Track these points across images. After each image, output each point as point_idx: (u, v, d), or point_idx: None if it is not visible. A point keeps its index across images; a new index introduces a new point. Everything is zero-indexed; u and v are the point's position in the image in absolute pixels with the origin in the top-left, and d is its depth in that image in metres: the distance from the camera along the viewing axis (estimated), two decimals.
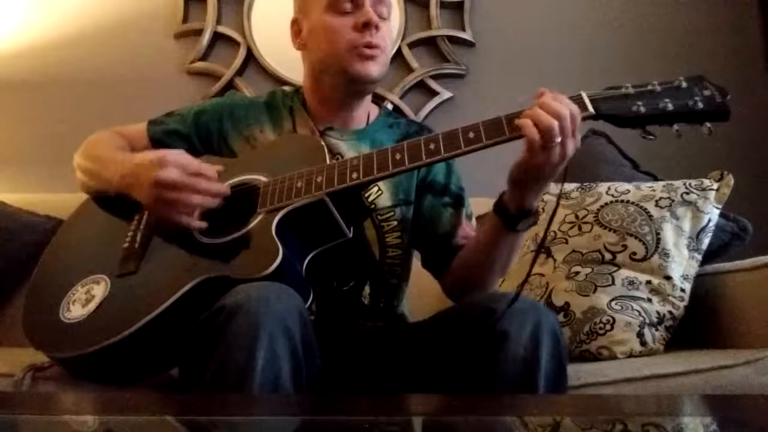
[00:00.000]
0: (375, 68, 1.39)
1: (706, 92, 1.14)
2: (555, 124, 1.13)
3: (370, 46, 1.37)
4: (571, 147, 1.15)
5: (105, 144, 1.47)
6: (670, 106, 1.14)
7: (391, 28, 1.44)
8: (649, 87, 1.16)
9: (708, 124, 1.14)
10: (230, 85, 2.44)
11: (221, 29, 2.48)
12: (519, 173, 1.20)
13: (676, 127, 1.15)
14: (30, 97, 2.47)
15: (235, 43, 2.47)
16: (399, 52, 2.44)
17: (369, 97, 1.50)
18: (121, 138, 1.49)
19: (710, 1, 2.44)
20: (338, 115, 1.46)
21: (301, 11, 1.45)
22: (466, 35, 2.46)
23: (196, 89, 2.46)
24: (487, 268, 1.35)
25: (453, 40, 2.46)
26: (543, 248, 1.69)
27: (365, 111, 1.49)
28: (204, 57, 2.47)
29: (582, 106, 1.16)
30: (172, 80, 2.48)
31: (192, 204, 1.26)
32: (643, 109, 1.15)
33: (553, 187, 1.81)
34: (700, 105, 1.13)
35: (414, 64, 2.44)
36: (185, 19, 2.49)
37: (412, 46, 2.46)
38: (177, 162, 1.27)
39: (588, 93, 1.18)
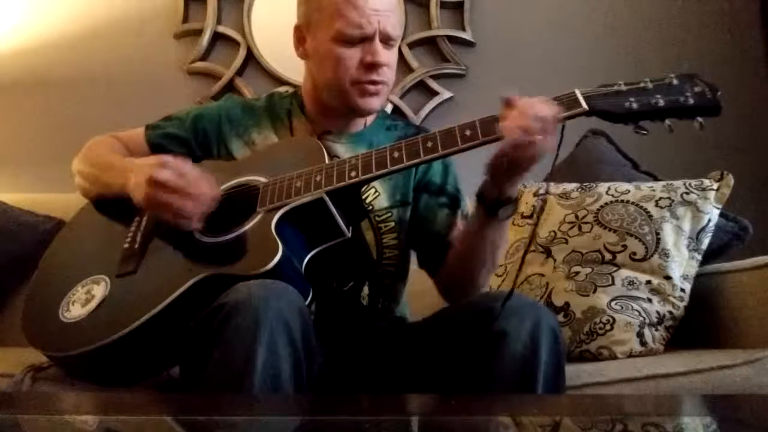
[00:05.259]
0: (377, 102, 1.39)
1: (697, 89, 1.16)
2: (537, 126, 1.15)
3: (374, 83, 1.36)
4: (549, 144, 1.17)
5: (104, 148, 1.46)
6: (662, 102, 1.16)
7: (396, 52, 1.42)
8: (641, 84, 1.19)
9: (699, 119, 1.16)
10: (230, 85, 2.44)
11: (221, 29, 2.47)
12: (497, 163, 1.21)
13: (667, 122, 1.17)
14: (30, 97, 2.47)
15: (235, 43, 2.47)
16: (399, 52, 2.43)
17: None
18: (119, 143, 1.49)
19: (710, 1, 2.44)
20: (336, 123, 1.46)
21: (306, 24, 1.42)
22: (466, 35, 2.45)
23: (196, 89, 2.46)
24: (474, 259, 1.36)
25: (453, 40, 2.45)
26: (543, 248, 1.69)
27: (363, 117, 1.48)
28: (204, 57, 2.47)
29: (576, 103, 1.18)
30: (172, 80, 2.47)
31: (184, 209, 1.24)
32: (635, 105, 1.17)
33: (554, 187, 1.81)
34: (691, 101, 1.16)
35: (414, 64, 2.44)
36: (185, 19, 2.49)
37: (412, 46, 2.45)
38: (174, 165, 1.26)
39: (581, 90, 1.19)
